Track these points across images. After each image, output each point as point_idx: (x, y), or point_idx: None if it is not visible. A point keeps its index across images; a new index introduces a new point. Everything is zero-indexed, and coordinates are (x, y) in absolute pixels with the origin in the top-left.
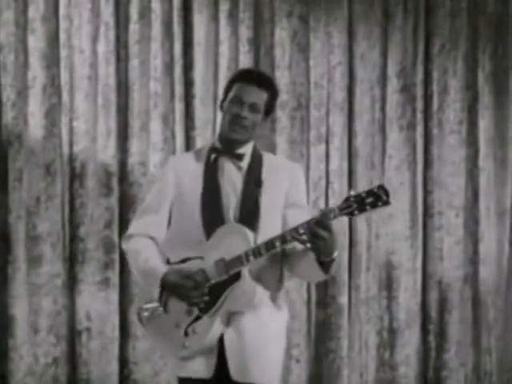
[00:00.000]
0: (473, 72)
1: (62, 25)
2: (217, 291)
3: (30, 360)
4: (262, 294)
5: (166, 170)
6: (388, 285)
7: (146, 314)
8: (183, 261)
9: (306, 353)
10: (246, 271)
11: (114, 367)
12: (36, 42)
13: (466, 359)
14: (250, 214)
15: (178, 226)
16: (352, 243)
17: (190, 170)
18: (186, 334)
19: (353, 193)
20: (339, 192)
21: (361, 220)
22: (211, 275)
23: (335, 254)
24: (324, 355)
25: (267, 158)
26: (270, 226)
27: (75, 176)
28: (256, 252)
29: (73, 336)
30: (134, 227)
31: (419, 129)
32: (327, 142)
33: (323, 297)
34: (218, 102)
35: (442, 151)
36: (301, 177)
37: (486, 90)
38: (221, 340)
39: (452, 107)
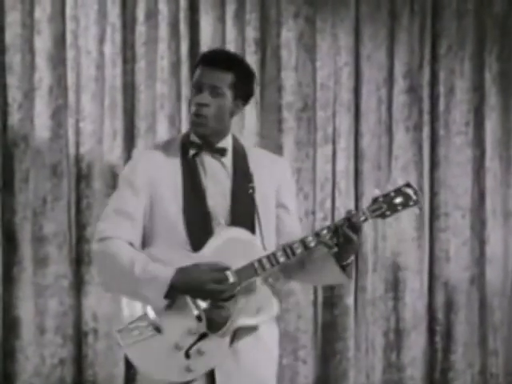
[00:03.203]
0: (479, 73)
1: (69, 26)
2: (227, 305)
3: (37, 361)
4: (278, 305)
5: (136, 169)
6: (394, 286)
7: (130, 336)
8: None
9: (313, 354)
10: (259, 281)
11: (120, 368)
12: (42, 43)
13: (472, 361)
14: (245, 216)
15: (158, 229)
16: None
17: (164, 168)
18: (188, 355)
19: (379, 192)
20: (346, 192)
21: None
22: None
23: (353, 257)
24: (330, 356)
25: (250, 151)
26: (268, 223)
27: (81, 177)
28: (273, 261)
29: (79, 337)
30: (108, 230)
31: (426, 130)
32: (333, 143)
33: (329, 298)
34: None
35: (448, 152)
36: (290, 176)
37: (493, 91)
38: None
39: (458, 108)
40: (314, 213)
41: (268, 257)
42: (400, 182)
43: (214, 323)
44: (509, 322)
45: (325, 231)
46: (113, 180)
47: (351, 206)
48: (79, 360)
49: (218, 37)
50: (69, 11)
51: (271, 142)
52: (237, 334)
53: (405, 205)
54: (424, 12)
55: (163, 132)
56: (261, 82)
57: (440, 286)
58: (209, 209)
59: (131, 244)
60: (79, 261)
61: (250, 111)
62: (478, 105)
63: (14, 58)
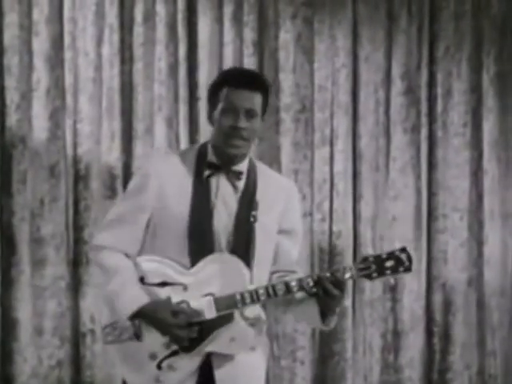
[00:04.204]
0: (477, 74)
1: (67, 27)
2: (203, 330)
3: (34, 362)
4: (254, 338)
5: (147, 177)
6: (392, 287)
7: (111, 334)
8: (162, 284)
9: (311, 355)
10: (238, 314)
11: (118, 370)
12: (40, 45)
13: (470, 362)
14: (243, 244)
15: (159, 244)
16: (356, 245)
17: (176, 182)
18: (160, 367)
19: (371, 253)
20: (344, 194)
21: (365, 222)
22: (197, 312)
23: (338, 310)
24: (328, 357)
25: (261, 172)
26: (264, 254)
27: (79, 178)
28: (254, 297)
29: (77, 338)
30: (105, 238)
31: (423, 131)
32: (331, 145)
33: None
34: None
35: (446, 153)
36: (296, 200)
37: (491, 93)
38: (209, 370)
39: (456, 109)
40: (311, 214)
41: (250, 292)
42: (397, 245)
43: (185, 345)
44: (507, 322)
45: (308, 279)
46: (111, 181)
47: (349, 207)
48: (77, 361)
49: (215, 38)
50: (66, 12)
51: (269, 143)
52: (214, 361)
53: (394, 270)
54: (422, 14)
55: (161, 133)
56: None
57: (438, 287)
58: (214, 230)
59: (127, 255)
60: (77, 262)
61: None
62: (476, 106)
63: (11, 60)
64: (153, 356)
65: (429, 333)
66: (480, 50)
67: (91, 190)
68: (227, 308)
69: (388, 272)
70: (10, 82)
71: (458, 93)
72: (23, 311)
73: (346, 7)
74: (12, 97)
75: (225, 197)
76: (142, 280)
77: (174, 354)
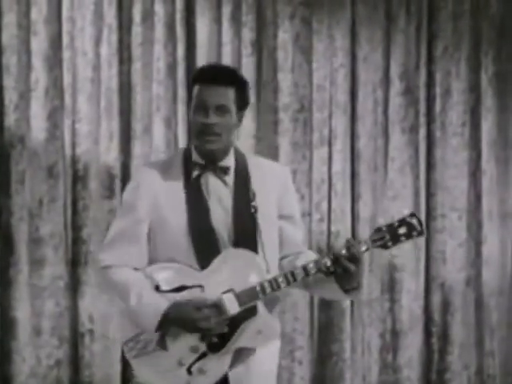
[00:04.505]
0: (476, 74)
1: (65, 27)
2: (228, 327)
3: (33, 362)
4: (278, 327)
5: (138, 193)
6: (391, 287)
7: (135, 348)
8: (178, 289)
9: (309, 355)
10: (261, 305)
11: (116, 369)
12: (39, 44)
13: (469, 362)
14: (247, 236)
15: (163, 252)
16: None
17: (167, 189)
18: (190, 372)
19: (383, 223)
20: (342, 194)
21: (363, 222)
22: (221, 310)
23: (360, 283)
24: (327, 357)
25: (252, 163)
26: (271, 241)
27: (78, 178)
28: (274, 285)
29: (75, 338)
30: (110, 258)
31: (422, 131)
32: (330, 145)
33: (326, 299)
34: None
35: (444, 153)
36: (290, 183)
37: (489, 92)
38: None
39: (455, 109)
40: (310, 214)
41: (270, 281)
42: (405, 212)
43: (213, 344)
44: (505, 322)
45: (325, 260)
46: (109, 181)
47: (348, 207)
48: (75, 361)
49: (214, 38)
50: (65, 12)
51: (267, 143)
52: (236, 357)
53: (408, 235)
54: (420, 13)
55: (159, 133)
56: (257, 84)
57: (436, 287)
58: (213, 228)
59: (135, 268)
60: (75, 262)
61: (246, 113)
62: (474, 106)
63: (10, 59)
64: (181, 362)
65: (427, 333)
66: (478, 49)
67: (89, 189)
68: (249, 301)
69: (403, 239)
70: (9, 82)
71: (456, 93)
72: (22, 311)
73: (344, 7)
74: (10, 97)
75: (217, 193)
76: (157, 289)
77: (202, 356)
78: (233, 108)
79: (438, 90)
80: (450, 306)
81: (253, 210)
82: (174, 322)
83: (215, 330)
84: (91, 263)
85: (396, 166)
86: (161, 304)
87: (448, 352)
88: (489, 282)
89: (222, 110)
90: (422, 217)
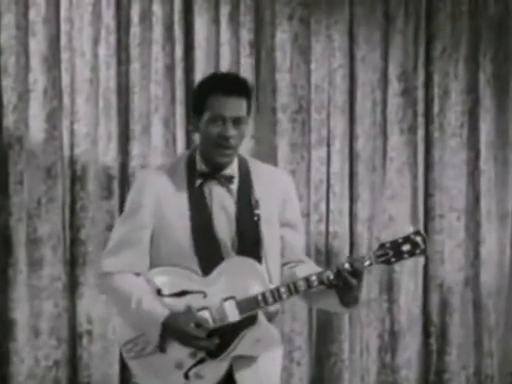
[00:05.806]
0: (474, 75)
1: (63, 28)
2: (228, 334)
3: (31, 363)
4: (278, 336)
5: (142, 198)
6: (389, 288)
7: (133, 350)
8: (180, 294)
9: (307, 355)
10: (261, 314)
11: (115, 370)
12: (37, 45)
13: (467, 362)
14: (250, 244)
15: (166, 258)
16: (353, 246)
17: (171, 195)
18: (187, 376)
19: (387, 239)
20: (340, 195)
21: (362, 223)
22: (221, 317)
23: (359, 296)
24: (325, 358)
25: (254, 170)
26: (273, 249)
27: (76, 179)
28: (276, 296)
29: (74, 339)
30: (112, 264)
31: (420, 132)
32: (328, 145)
33: None
34: None
35: (442, 154)
36: (293, 190)
37: (487, 93)
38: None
39: (453, 110)
40: (308, 215)
41: (272, 291)
42: (410, 229)
43: (212, 350)
44: (503, 323)
45: (328, 273)
46: (107, 182)
47: (346, 208)
48: (74, 362)
49: (212, 39)
50: (63, 13)
51: (266, 144)
52: (235, 364)
53: (411, 253)
54: (418, 14)
55: (157, 134)
56: (255, 84)
57: (435, 287)
58: (217, 235)
59: (137, 274)
60: (73, 263)
61: None
62: (473, 107)
63: (8, 60)
64: (179, 365)
65: (425, 333)
66: (477, 50)
67: (88, 190)
68: (250, 309)
69: (405, 256)
70: (7, 83)
71: (454, 93)
72: (20, 312)
73: (342, 7)
74: (9, 97)
75: (221, 201)
76: (159, 293)
77: (200, 361)
78: (246, 119)
79: (436, 91)
80: (448, 307)
81: (256, 218)
82: (171, 334)
83: (207, 348)
84: (89, 264)
85: (394, 166)
86: (161, 313)
87: (446, 352)
88: (487, 282)
89: (238, 122)
90: (421, 217)
